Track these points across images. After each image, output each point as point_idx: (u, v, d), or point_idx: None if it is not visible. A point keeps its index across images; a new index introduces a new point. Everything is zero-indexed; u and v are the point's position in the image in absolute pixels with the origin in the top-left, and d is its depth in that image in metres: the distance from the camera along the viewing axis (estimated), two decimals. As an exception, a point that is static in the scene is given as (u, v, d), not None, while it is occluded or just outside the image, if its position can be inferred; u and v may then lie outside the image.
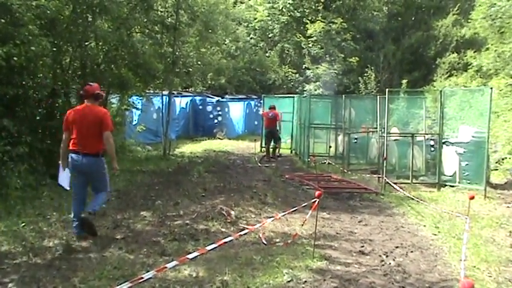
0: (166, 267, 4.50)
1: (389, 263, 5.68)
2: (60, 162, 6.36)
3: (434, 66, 25.10)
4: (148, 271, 4.69)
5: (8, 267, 5.00)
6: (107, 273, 4.94)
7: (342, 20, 26.18)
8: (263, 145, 17.96)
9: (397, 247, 6.40)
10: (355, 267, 5.50)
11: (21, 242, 5.78)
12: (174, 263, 4.61)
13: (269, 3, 29.85)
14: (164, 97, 16.37)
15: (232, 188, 9.87)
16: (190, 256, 4.82)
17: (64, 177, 6.39)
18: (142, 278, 4.25)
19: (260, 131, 18.64)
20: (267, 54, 29.88)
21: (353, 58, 26.29)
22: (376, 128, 13.39)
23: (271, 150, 16.04)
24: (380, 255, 5.99)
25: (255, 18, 30.38)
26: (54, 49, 9.97)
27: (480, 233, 7.10)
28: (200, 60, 16.17)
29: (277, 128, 15.87)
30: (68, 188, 6.49)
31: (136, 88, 13.97)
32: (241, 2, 32.05)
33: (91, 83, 6.57)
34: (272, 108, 16.11)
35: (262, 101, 20.04)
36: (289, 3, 29.04)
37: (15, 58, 7.95)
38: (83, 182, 6.30)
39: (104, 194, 6.45)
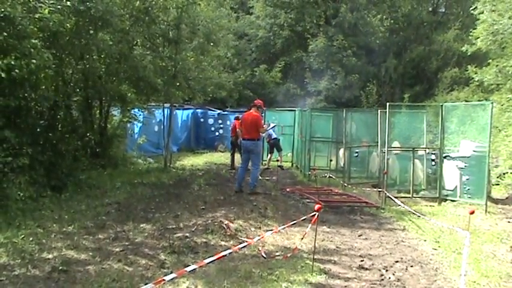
0: (164, 280, 4.46)
1: (389, 278, 5.64)
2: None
3: (436, 81, 25.17)
4: (146, 283, 4.67)
5: (6, 279, 4.97)
6: (106, 286, 4.93)
7: (342, 38, 26.30)
8: (264, 158, 17.99)
9: (397, 262, 6.37)
10: (355, 281, 5.47)
11: (20, 253, 5.76)
12: (172, 275, 4.59)
13: (271, 18, 29.96)
14: (165, 110, 16.43)
15: (232, 200, 9.86)
16: (188, 269, 4.80)
17: None
18: (140, 290, 4.23)
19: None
20: (268, 68, 29.91)
21: (353, 75, 26.38)
22: (377, 141, 13.37)
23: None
24: (380, 270, 5.95)
25: (257, 35, 30.44)
26: (57, 61, 10.02)
27: (481, 248, 7.07)
28: (201, 74, 16.21)
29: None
30: None
31: (137, 101, 14.06)
32: (248, 13, 31.95)
33: (257, 99, 12.05)
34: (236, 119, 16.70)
35: (263, 115, 20.00)
36: (290, 18, 29.17)
37: (17, 70, 7.98)
38: (247, 157, 10.90)
39: (256, 169, 10.81)
